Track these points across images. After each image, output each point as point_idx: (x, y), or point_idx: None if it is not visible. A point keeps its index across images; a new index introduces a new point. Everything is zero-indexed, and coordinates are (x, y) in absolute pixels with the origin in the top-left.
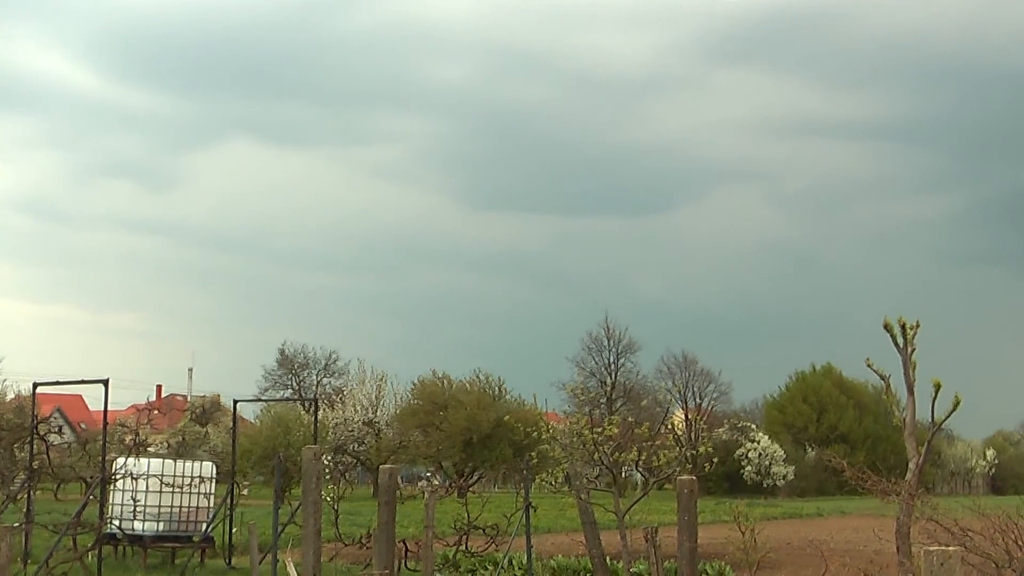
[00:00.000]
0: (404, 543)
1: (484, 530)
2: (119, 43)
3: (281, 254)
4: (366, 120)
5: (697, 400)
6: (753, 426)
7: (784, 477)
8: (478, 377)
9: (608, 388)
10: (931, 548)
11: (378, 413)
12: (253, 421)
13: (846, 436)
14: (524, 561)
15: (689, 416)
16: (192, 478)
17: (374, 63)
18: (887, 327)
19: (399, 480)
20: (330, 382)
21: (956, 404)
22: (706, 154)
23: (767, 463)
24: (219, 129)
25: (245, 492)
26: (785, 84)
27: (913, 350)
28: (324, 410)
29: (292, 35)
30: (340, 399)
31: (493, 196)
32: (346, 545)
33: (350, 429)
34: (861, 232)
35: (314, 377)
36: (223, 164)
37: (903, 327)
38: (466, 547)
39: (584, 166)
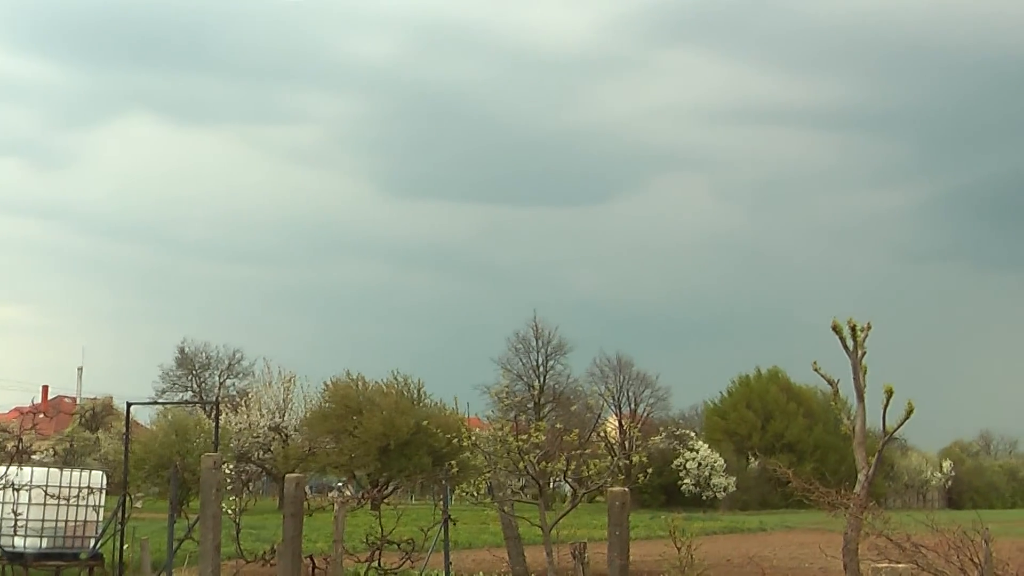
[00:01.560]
0: (311, 559)
1: (399, 545)
2: (2, 6)
3: (183, 243)
4: (281, 98)
5: (632, 406)
6: (692, 434)
7: (725, 489)
8: (396, 379)
9: (536, 392)
10: (880, 565)
11: (286, 417)
12: (148, 426)
13: (793, 445)
14: None
15: (623, 423)
16: (80, 489)
17: (290, 36)
18: (836, 328)
19: (307, 490)
20: (234, 384)
21: (909, 412)
22: (648, 141)
23: (707, 474)
24: (118, 104)
25: (138, 504)
26: (734, 67)
27: (864, 353)
28: (226, 414)
29: (199, 3)
30: (244, 402)
31: (417, 183)
32: (248, 562)
33: (255, 435)
34: (813, 226)
35: (216, 378)
36: (123, 142)
37: (853, 329)
38: (379, 563)
39: (516, 152)
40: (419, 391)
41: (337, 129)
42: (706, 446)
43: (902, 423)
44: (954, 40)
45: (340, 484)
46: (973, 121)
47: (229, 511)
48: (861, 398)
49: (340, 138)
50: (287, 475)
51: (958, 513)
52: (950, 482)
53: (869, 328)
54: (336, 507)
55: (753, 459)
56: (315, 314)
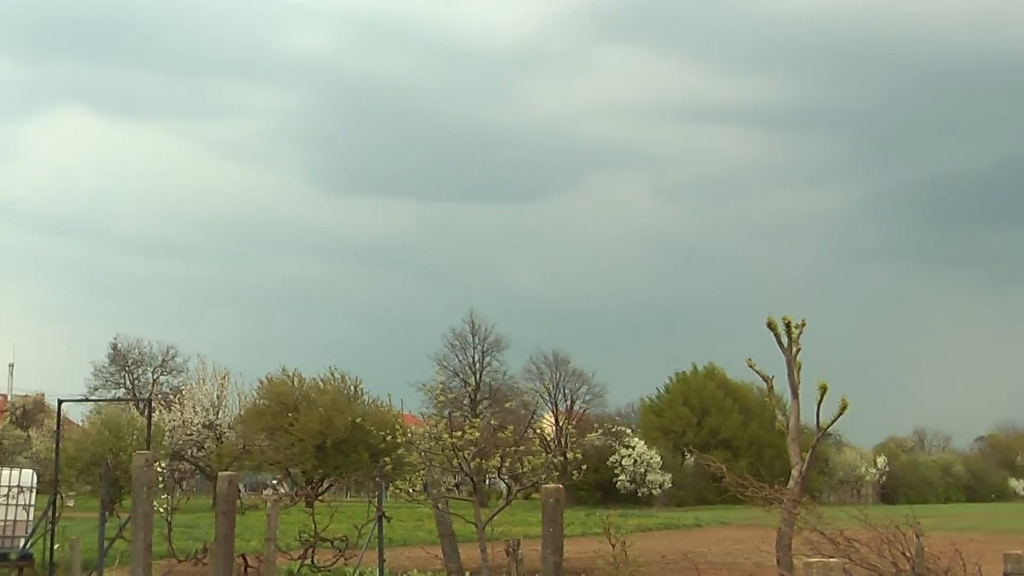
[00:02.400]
0: (244, 558)
1: (332, 543)
2: None
3: (117, 237)
4: (214, 92)
5: (568, 403)
6: (629, 431)
7: (661, 485)
8: (333, 376)
9: (472, 389)
10: (812, 560)
11: (220, 415)
12: (81, 424)
13: (729, 442)
14: None
15: (559, 420)
16: (10, 488)
17: (224, 29)
18: (771, 326)
19: (242, 488)
20: (167, 380)
21: (843, 408)
22: (584, 137)
23: (643, 470)
24: (51, 97)
25: (70, 503)
26: (672, 65)
27: (798, 350)
28: (160, 412)
29: None
30: (178, 400)
31: (352, 179)
32: (180, 561)
33: (188, 433)
34: (750, 224)
35: (150, 375)
36: (55, 136)
37: (788, 326)
38: (312, 561)
39: (452, 147)
40: (356, 388)
41: (271, 123)
42: (642, 443)
43: (836, 419)
44: (892, 41)
45: (275, 482)
46: (910, 121)
47: (161, 510)
48: (795, 394)
49: (274, 132)
50: (220, 473)
51: (891, 508)
52: (884, 477)
53: (803, 325)
54: (269, 505)
55: (689, 456)
56: (250, 310)
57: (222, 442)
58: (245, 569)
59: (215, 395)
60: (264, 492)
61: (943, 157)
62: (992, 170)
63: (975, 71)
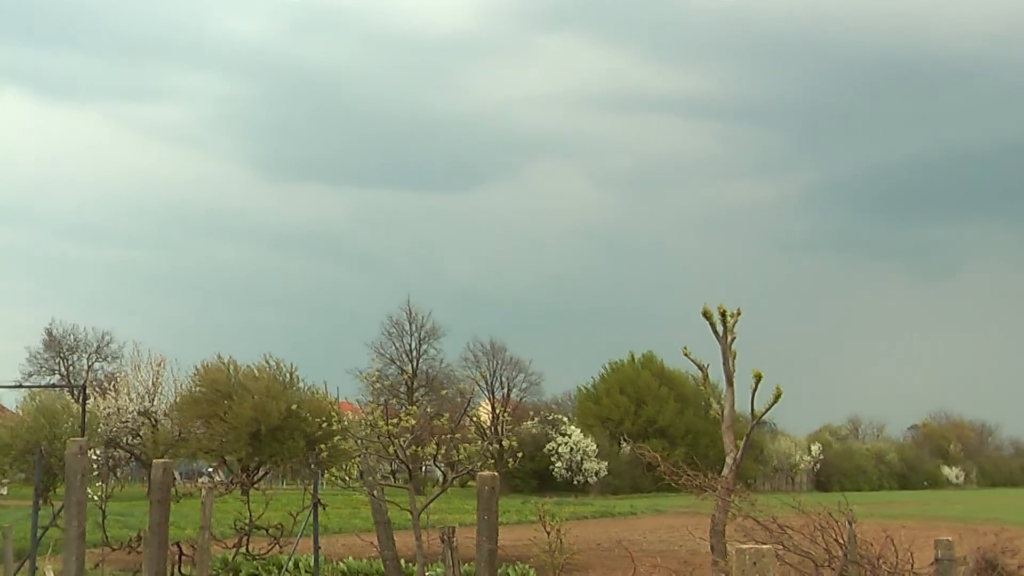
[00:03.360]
0: (178, 546)
1: (267, 530)
2: None
3: (51, 222)
4: (154, 77)
5: (505, 391)
6: (565, 419)
7: (597, 474)
8: (268, 363)
9: (408, 376)
10: (744, 546)
11: (155, 402)
12: (15, 411)
13: (665, 430)
14: (311, 564)
15: (495, 407)
16: None
17: (164, 13)
18: (706, 314)
19: (177, 476)
20: (103, 367)
21: (777, 396)
22: (524, 126)
23: (579, 459)
24: None
25: (3, 491)
26: (612, 55)
27: (734, 339)
28: (95, 398)
29: None
30: (113, 386)
31: (292, 166)
32: (114, 550)
33: (124, 420)
34: (688, 215)
35: (85, 361)
36: None
37: (723, 315)
38: (247, 549)
39: (393, 135)
40: (291, 375)
41: (207, 108)
42: (578, 431)
43: (770, 407)
44: (824, 34)
45: (210, 469)
46: (843, 114)
47: (95, 497)
48: (730, 383)
49: (214, 118)
50: (155, 461)
51: (825, 496)
52: (818, 465)
53: (739, 314)
54: (204, 493)
55: (625, 444)
56: (187, 297)
57: (157, 429)
58: (179, 557)
59: (150, 382)
60: (199, 480)
61: (875, 149)
62: (924, 163)
63: (906, 65)
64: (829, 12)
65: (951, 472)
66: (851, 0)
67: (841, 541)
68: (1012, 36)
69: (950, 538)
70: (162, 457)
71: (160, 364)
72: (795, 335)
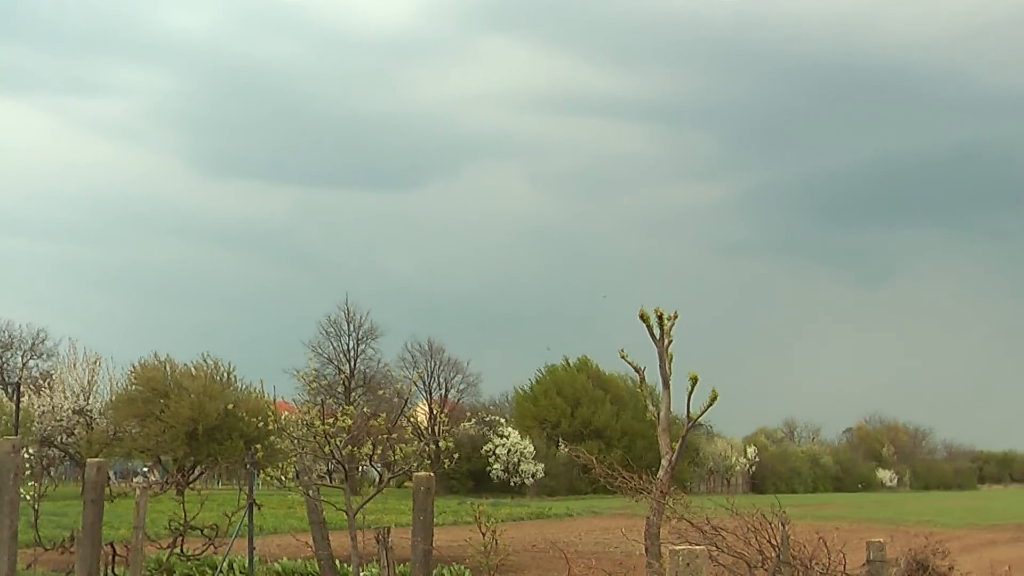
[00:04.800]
0: (112, 546)
1: (202, 531)
2: None
3: None
4: (92, 69)
5: (442, 391)
6: (502, 420)
7: (533, 475)
8: (205, 362)
9: (346, 376)
10: (678, 548)
11: (91, 400)
12: None
13: (601, 432)
14: (246, 564)
15: (432, 408)
16: None
17: (102, 5)
18: (643, 317)
19: (112, 476)
20: (37, 365)
21: (713, 399)
22: (465, 126)
23: (516, 460)
24: None
25: None
26: (553, 56)
27: (670, 341)
28: (29, 396)
29: None
30: (48, 384)
31: (229, 162)
32: (47, 550)
33: (58, 418)
34: (628, 217)
35: (19, 359)
36: None
37: (660, 317)
38: (181, 550)
39: (332, 133)
40: (229, 374)
41: (149, 103)
42: (516, 432)
43: (705, 409)
44: (765, 39)
45: (145, 469)
46: (782, 119)
47: (28, 497)
48: (667, 385)
49: (152, 113)
50: (89, 460)
51: (760, 497)
52: (754, 468)
53: (676, 317)
54: (138, 493)
55: (562, 446)
56: (123, 293)
57: (92, 428)
58: (113, 558)
59: (86, 380)
60: (134, 480)
61: (814, 155)
62: (862, 170)
63: (847, 72)
64: (773, 17)
65: (885, 475)
66: (796, 5)
67: (774, 542)
68: (953, 43)
69: (882, 540)
70: (97, 456)
71: (96, 362)
72: (732, 338)
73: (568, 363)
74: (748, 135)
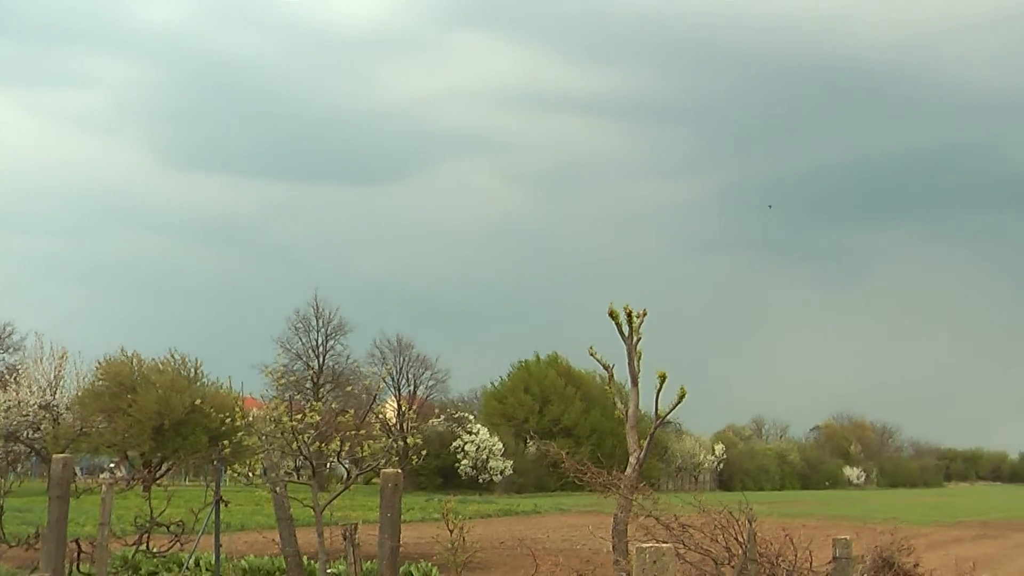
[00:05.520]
0: (77, 543)
1: (168, 527)
2: None
3: None
4: (64, 62)
5: (411, 388)
6: (471, 417)
7: (502, 472)
8: (173, 357)
9: (314, 372)
10: (645, 545)
11: (57, 395)
12: None
13: (571, 429)
14: (212, 561)
15: (401, 405)
16: None
17: None
18: (612, 314)
19: (78, 471)
20: (3, 359)
21: (681, 396)
22: (438, 123)
23: (484, 457)
24: None
25: None
26: (527, 53)
27: (639, 339)
28: None
29: None
30: (13, 378)
31: (202, 156)
32: (11, 546)
33: (24, 413)
34: (600, 214)
35: None
36: None
37: (629, 315)
38: (147, 547)
39: (305, 129)
40: (196, 370)
41: (121, 96)
42: (484, 429)
43: (674, 407)
44: (744, 39)
45: (112, 465)
46: (759, 118)
47: None
48: (635, 382)
49: (124, 105)
50: (55, 455)
51: (727, 495)
52: (722, 465)
53: (645, 314)
54: (104, 489)
55: (530, 443)
56: (92, 288)
57: (59, 423)
58: (78, 555)
59: (52, 375)
60: (100, 475)
61: (789, 155)
62: (837, 170)
63: (825, 72)
64: (751, 17)
65: (852, 472)
66: (774, 6)
67: (741, 540)
68: (931, 45)
69: (848, 537)
70: (63, 452)
71: (63, 356)
72: (702, 335)
73: (539, 359)
74: (724, 134)
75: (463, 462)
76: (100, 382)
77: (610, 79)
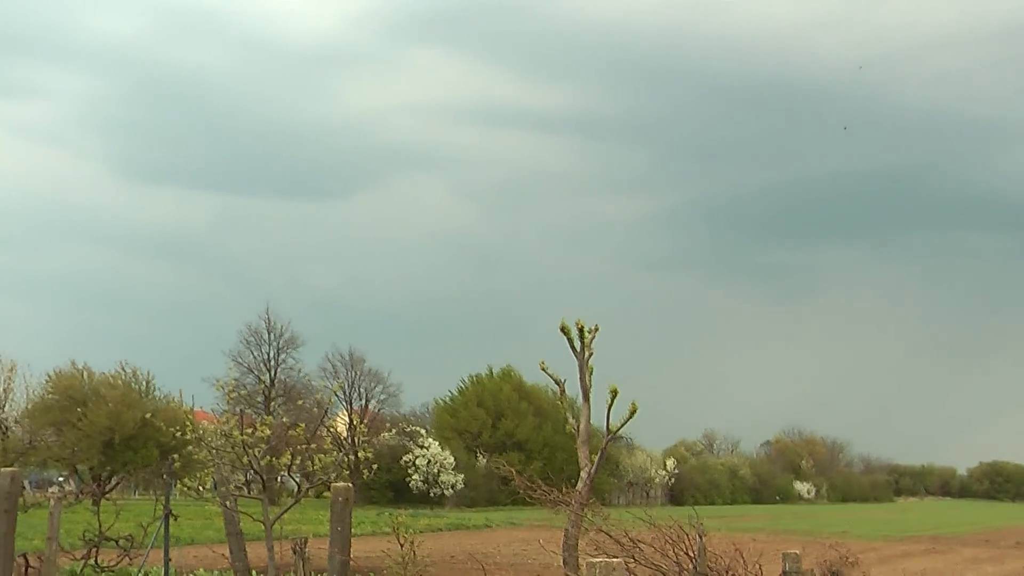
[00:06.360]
0: (25, 557)
1: (117, 542)
2: None
3: None
4: (15, 72)
5: (363, 402)
6: (423, 431)
7: (453, 486)
8: (124, 370)
9: (266, 386)
10: (595, 560)
11: (6, 409)
12: None
13: (523, 444)
14: (162, 575)
15: (352, 419)
16: None
17: (28, 7)
18: (564, 330)
19: (27, 486)
20: None
21: (632, 412)
22: (390, 138)
23: (436, 471)
24: None
25: None
26: (478, 69)
27: (591, 354)
28: None
29: None
30: None
31: (153, 168)
32: None
33: None
34: (549, 229)
35: None
36: None
37: (581, 330)
38: (96, 561)
39: (257, 142)
40: (147, 383)
41: (73, 107)
42: (436, 443)
43: (625, 422)
44: (695, 58)
45: (61, 479)
46: (709, 136)
47: None
48: (587, 398)
49: (76, 117)
50: (3, 469)
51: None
52: (673, 480)
53: (596, 330)
54: (52, 503)
55: (482, 457)
56: (41, 300)
57: (7, 437)
58: (26, 570)
59: (1, 388)
60: (49, 489)
61: (740, 173)
62: (786, 188)
63: (776, 91)
64: (704, 36)
65: (803, 487)
66: (726, 24)
67: (691, 554)
68: (874, 65)
69: (797, 551)
70: (11, 466)
71: (11, 369)
72: (654, 351)
73: (492, 373)
74: (676, 152)
75: (414, 476)
76: (50, 395)
77: (561, 96)
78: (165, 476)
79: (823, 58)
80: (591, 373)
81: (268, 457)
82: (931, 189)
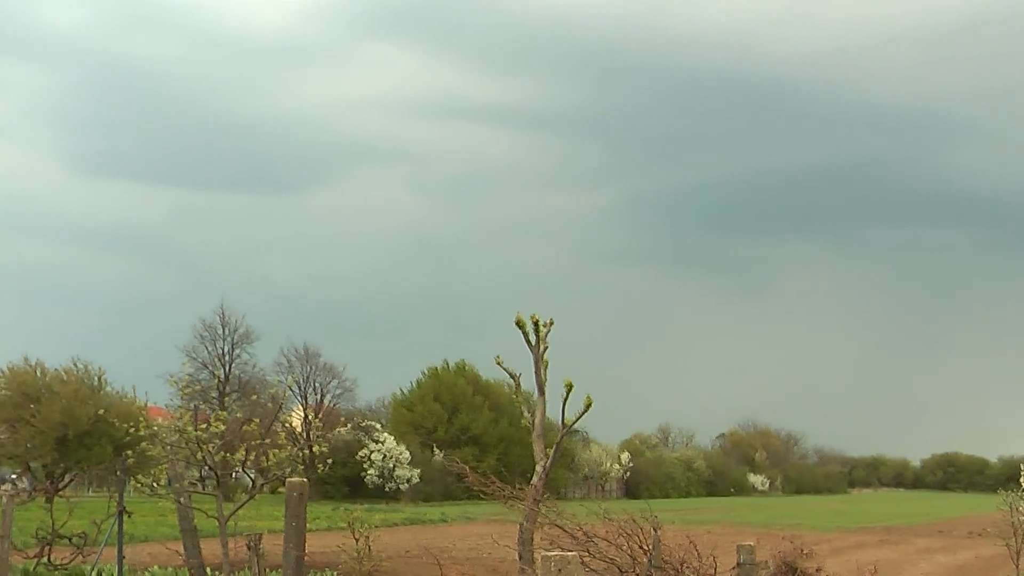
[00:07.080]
0: None
1: (70, 539)
2: None
3: None
4: None
5: (318, 397)
6: (379, 426)
7: (409, 481)
8: (76, 366)
9: (220, 381)
10: (550, 553)
11: None
12: None
13: (479, 438)
14: (115, 573)
15: (307, 413)
16: None
17: None
18: (519, 323)
19: None
20: None
21: (588, 405)
22: (346, 131)
23: (391, 465)
24: None
25: None
26: (434, 63)
27: (546, 348)
28: None
29: None
30: None
31: (108, 162)
32: None
33: None
34: (504, 223)
35: None
36: None
37: (536, 324)
38: (49, 559)
39: (212, 136)
40: (100, 379)
41: (24, 100)
42: (392, 438)
43: (580, 416)
44: (651, 53)
45: (14, 476)
46: (665, 131)
47: None
48: (542, 391)
49: (26, 109)
50: None
51: (634, 503)
52: (628, 473)
53: (551, 324)
54: (4, 500)
55: (438, 451)
56: None
57: None
58: None
59: None
60: (2, 487)
61: (697, 167)
62: (744, 183)
63: (732, 85)
64: (659, 30)
65: (757, 479)
66: (682, 19)
67: (646, 547)
68: (833, 62)
69: (752, 543)
70: None
71: None
72: (609, 345)
73: (448, 366)
74: (632, 145)
75: (370, 471)
76: (3, 391)
77: (518, 89)
78: (119, 473)
79: (779, 53)
80: (546, 367)
81: (222, 453)
82: (885, 184)
